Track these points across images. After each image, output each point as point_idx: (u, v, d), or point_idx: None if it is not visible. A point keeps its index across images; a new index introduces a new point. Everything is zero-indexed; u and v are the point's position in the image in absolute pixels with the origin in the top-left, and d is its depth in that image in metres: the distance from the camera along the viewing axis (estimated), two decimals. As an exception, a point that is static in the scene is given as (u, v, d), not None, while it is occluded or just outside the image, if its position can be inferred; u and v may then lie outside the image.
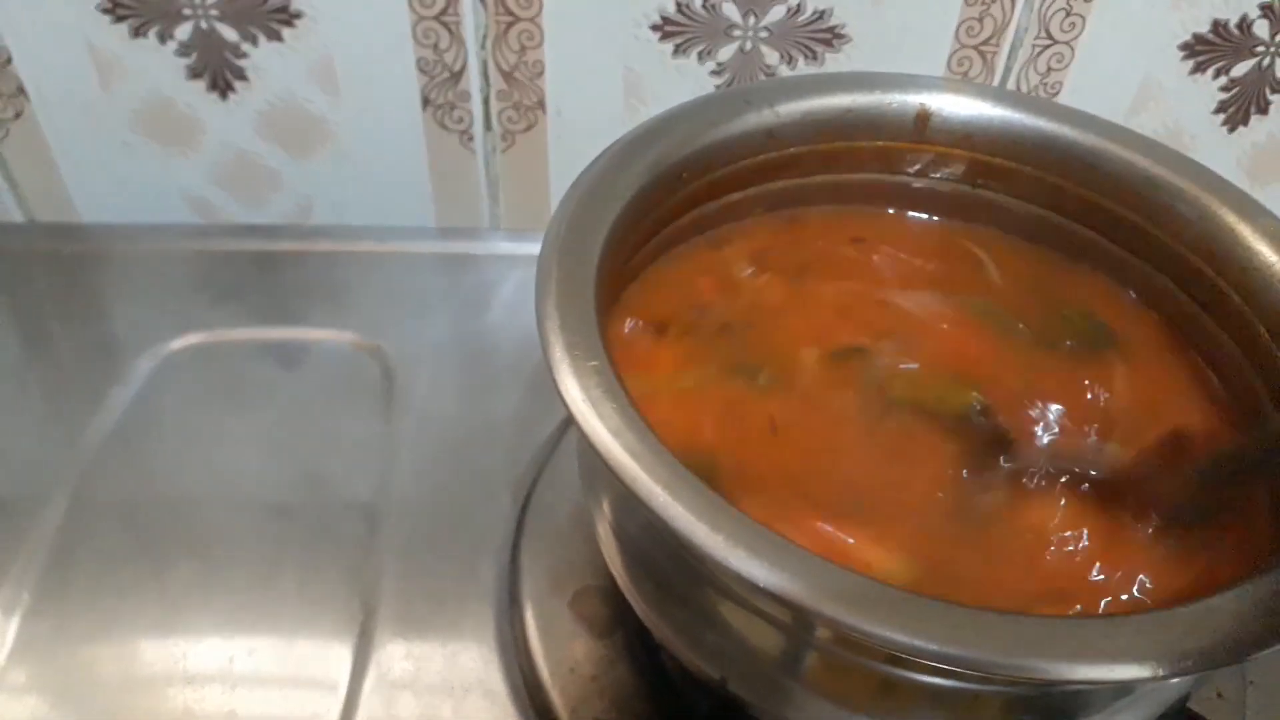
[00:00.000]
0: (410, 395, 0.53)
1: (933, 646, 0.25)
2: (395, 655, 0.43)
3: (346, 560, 0.46)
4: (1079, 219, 0.42)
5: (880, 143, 0.43)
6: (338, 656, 0.43)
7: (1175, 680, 0.31)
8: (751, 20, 0.58)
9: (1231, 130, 0.64)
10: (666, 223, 0.41)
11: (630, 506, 0.35)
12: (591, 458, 0.37)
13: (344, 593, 0.45)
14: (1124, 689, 0.30)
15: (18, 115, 0.62)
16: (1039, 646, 0.24)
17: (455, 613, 0.44)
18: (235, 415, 0.52)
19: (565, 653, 0.42)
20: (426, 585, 0.45)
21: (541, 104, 0.62)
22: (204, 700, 0.42)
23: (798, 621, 0.30)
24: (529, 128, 0.63)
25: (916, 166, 0.44)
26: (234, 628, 0.44)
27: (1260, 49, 0.60)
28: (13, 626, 0.44)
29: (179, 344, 0.55)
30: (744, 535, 0.26)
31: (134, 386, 0.53)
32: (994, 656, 0.24)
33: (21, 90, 0.60)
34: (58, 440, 0.51)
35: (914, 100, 0.42)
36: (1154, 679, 0.25)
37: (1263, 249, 0.36)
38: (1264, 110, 0.63)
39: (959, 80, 0.43)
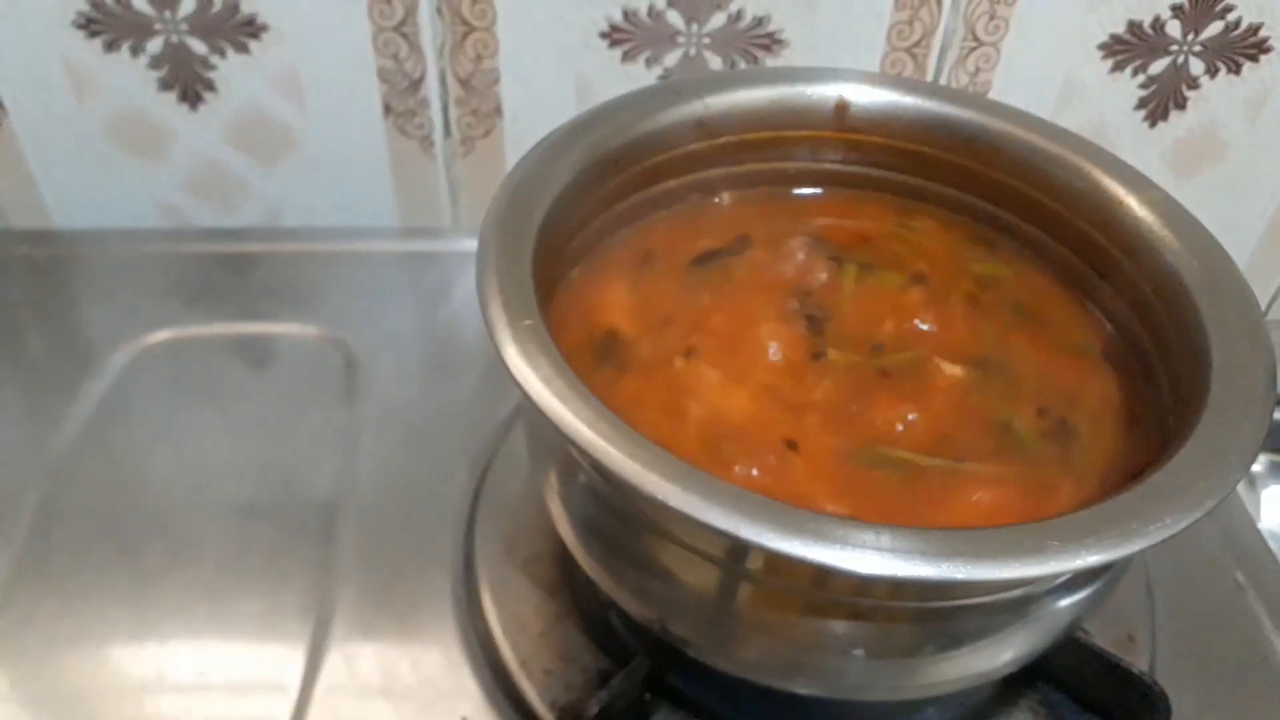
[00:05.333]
0: (373, 384, 0.56)
1: (829, 561, 0.27)
2: (355, 619, 0.45)
3: (310, 545, 0.48)
4: (986, 197, 0.45)
5: (805, 132, 0.46)
6: (297, 634, 0.45)
7: (1064, 604, 0.34)
8: (694, 27, 0.61)
9: (1152, 126, 0.68)
10: (605, 208, 0.44)
11: (572, 465, 0.38)
12: (534, 422, 0.40)
13: (307, 576, 0.47)
14: (1017, 612, 0.33)
15: (-7, 129, 0.64)
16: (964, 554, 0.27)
17: (413, 580, 0.47)
18: (204, 409, 0.55)
19: (516, 612, 0.45)
20: (386, 557, 0.48)
21: (498, 110, 0.65)
22: (164, 705, 0.43)
23: (721, 555, 0.33)
24: (487, 133, 0.66)
25: (840, 153, 0.47)
26: (203, 623, 0.46)
27: (1174, 48, 0.63)
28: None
29: (150, 340, 0.57)
30: (659, 464, 0.29)
31: (106, 382, 0.55)
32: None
33: (-1, 104, 0.63)
34: (30, 437, 0.53)
35: (833, 91, 0.45)
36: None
37: (1146, 216, 0.40)
38: (1181, 106, 0.66)
39: (874, 73, 0.46)
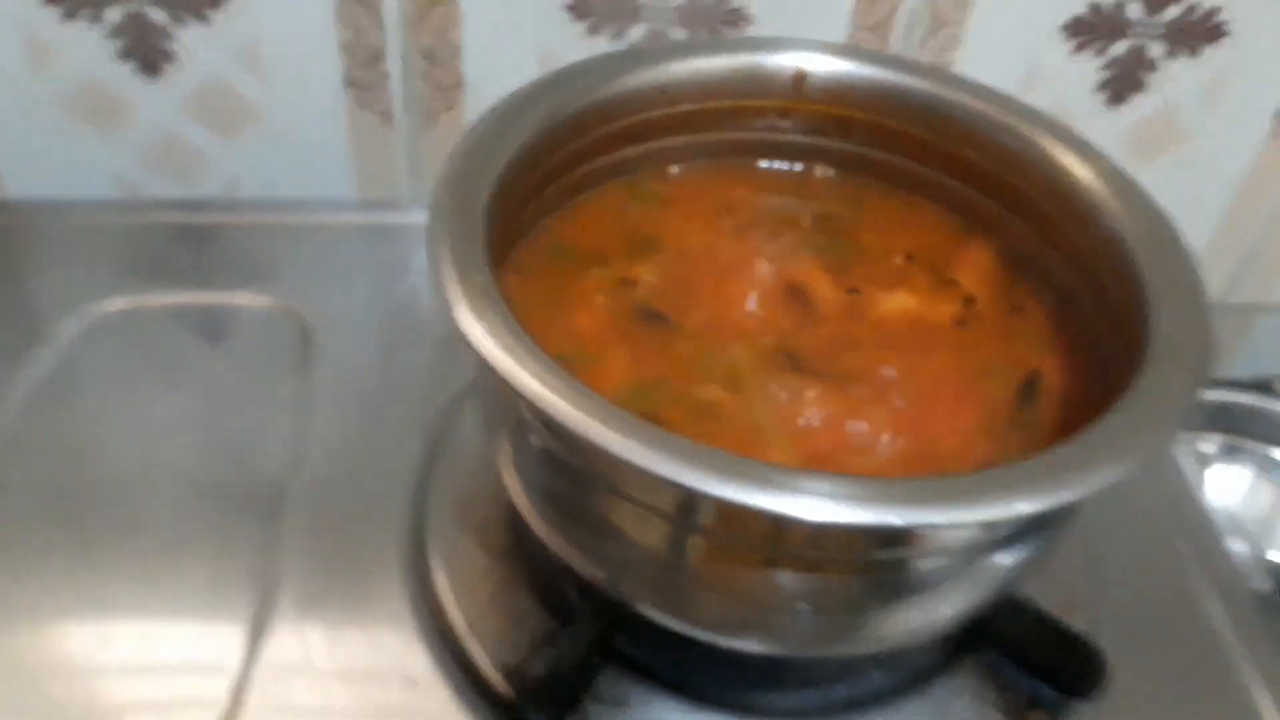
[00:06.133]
0: (328, 356, 0.55)
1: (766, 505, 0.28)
2: (304, 588, 0.45)
3: (261, 516, 0.48)
4: (941, 167, 0.45)
5: (763, 101, 0.47)
6: (246, 602, 0.45)
7: (1003, 560, 0.34)
8: (659, 1, 0.61)
9: (1114, 108, 0.68)
10: (564, 172, 0.44)
11: (523, 427, 0.38)
12: (485, 383, 0.40)
13: (257, 546, 0.46)
14: (959, 567, 0.34)
15: (-50, 97, 0.63)
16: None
17: (363, 549, 0.46)
18: (159, 379, 0.54)
19: (466, 577, 0.45)
20: (337, 527, 0.47)
21: (461, 84, 0.65)
22: (109, 679, 0.42)
23: (667, 508, 0.33)
24: (449, 107, 0.66)
25: (799, 123, 0.47)
26: (151, 593, 0.45)
27: (1134, 30, 0.64)
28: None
29: (104, 310, 0.57)
30: (603, 413, 0.29)
31: (59, 351, 0.55)
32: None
33: (-46, 73, 0.62)
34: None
35: (791, 61, 0.46)
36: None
37: (1094, 185, 0.40)
38: (1142, 89, 0.67)
39: (833, 44, 0.46)
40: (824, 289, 0.42)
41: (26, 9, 0.60)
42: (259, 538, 0.47)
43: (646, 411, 0.36)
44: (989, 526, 0.31)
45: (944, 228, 0.45)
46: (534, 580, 0.44)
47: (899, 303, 0.41)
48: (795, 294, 0.41)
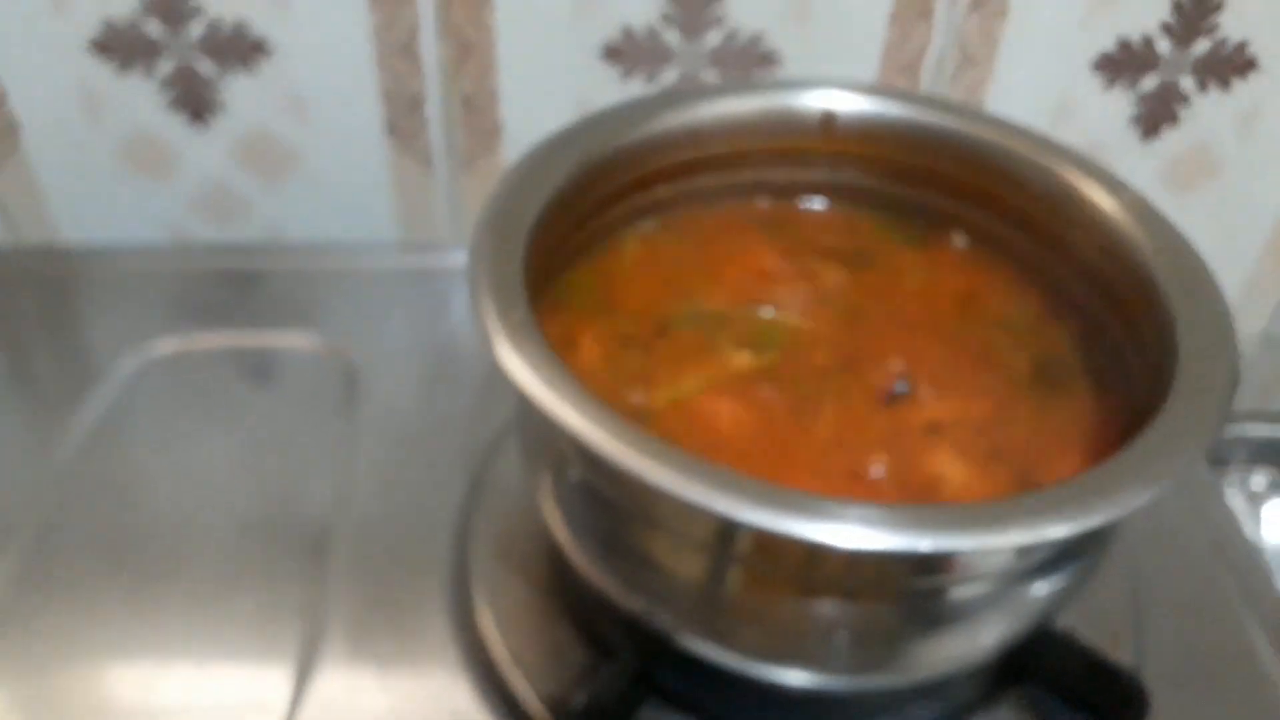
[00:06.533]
0: (372, 396, 0.56)
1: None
2: (350, 627, 0.46)
3: (307, 554, 0.49)
4: (977, 204, 0.46)
5: (793, 143, 0.48)
6: (293, 638, 0.46)
7: (1037, 595, 0.35)
8: (691, 46, 0.63)
9: (1147, 142, 0.68)
10: (598, 213, 0.45)
11: (562, 461, 0.39)
12: (525, 419, 0.41)
13: (304, 584, 0.47)
14: (995, 596, 0.34)
15: (10, 151, 0.66)
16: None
17: (408, 586, 0.47)
18: (209, 420, 0.56)
19: (509, 611, 0.45)
20: (382, 564, 0.48)
21: (499, 130, 0.66)
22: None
23: (703, 538, 0.34)
24: (488, 152, 0.67)
25: (830, 164, 0.48)
26: (200, 632, 0.46)
27: (1164, 64, 0.64)
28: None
29: (156, 353, 0.58)
30: (639, 443, 0.30)
31: (113, 392, 0.56)
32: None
33: (15, 127, 0.65)
34: (37, 447, 0.54)
35: (819, 102, 0.47)
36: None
37: (1122, 218, 0.41)
38: (1174, 122, 0.67)
39: (861, 83, 0.47)
40: (926, 386, 0.42)
41: (84, 63, 0.62)
42: (305, 577, 0.48)
43: (661, 322, 0.41)
44: (1020, 552, 0.31)
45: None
46: (576, 614, 0.45)
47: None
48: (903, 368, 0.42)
